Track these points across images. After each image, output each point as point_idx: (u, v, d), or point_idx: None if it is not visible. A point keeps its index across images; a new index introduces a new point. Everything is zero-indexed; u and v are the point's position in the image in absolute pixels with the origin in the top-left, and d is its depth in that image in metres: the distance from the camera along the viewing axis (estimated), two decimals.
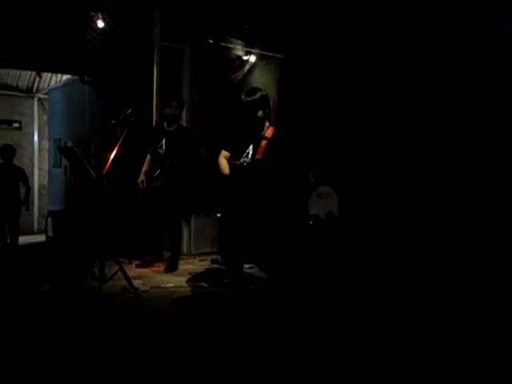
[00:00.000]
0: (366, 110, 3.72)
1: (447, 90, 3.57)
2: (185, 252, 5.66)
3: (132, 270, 4.61)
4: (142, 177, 4.90)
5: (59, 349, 2.71)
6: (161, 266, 4.91)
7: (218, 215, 4.24)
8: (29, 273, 4.69)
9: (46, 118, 9.32)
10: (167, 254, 5.03)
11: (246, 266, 4.40)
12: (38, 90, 9.28)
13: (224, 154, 3.91)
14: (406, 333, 2.88)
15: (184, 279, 4.44)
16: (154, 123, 5.48)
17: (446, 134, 3.57)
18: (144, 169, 4.95)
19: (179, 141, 4.84)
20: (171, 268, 4.81)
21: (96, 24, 5.48)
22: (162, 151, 4.90)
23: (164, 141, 4.91)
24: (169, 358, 2.60)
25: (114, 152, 3.90)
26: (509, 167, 3.42)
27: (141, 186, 4.88)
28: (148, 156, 4.99)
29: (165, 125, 4.97)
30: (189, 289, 4.14)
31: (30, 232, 8.93)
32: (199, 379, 2.36)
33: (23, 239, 7.99)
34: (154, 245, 5.06)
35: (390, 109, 3.62)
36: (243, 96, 3.74)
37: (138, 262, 4.98)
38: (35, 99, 9.35)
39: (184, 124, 5.59)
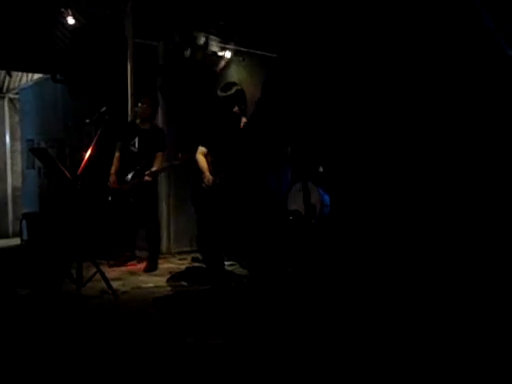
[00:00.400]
0: (358, 108, 3.68)
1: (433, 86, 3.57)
2: (164, 251, 5.61)
3: (110, 271, 4.55)
4: (112, 177, 4.80)
5: (39, 354, 2.65)
6: (135, 265, 4.87)
7: (196, 212, 4.19)
8: (4, 277, 4.57)
9: (17, 118, 9.11)
10: (141, 253, 4.99)
11: (227, 263, 4.38)
12: (8, 90, 9.04)
13: (201, 150, 3.87)
14: (386, 331, 2.90)
15: (164, 279, 4.39)
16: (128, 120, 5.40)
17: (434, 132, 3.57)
18: (114, 168, 4.85)
19: (153, 141, 4.78)
20: (151, 267, 4.76)
21: (66, 21, 5.34)
22: (134, 149, 4.83)
23: (137, 139, 4.84)
24: (151, 358, 2.56)
25: (89, 152, 3.82)
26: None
27: (112, 185, 4.79)
28: (117, 153, 4.89)
29: (138, 122, 4.90)
30: (169, 288, 4.10)
31: (5, 236, 8.73)
32: (183, 378, 2.34)
33: None
34: (128, 244, 5.01)
35: (382, 106, 3.58)
36: (218, 91, 3.71)
37: (112, 262, 4.93)
38: (6, 99, 9.11)
39: (160, 121, 5.53)
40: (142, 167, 4.71)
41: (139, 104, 4.84)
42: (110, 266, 4.85)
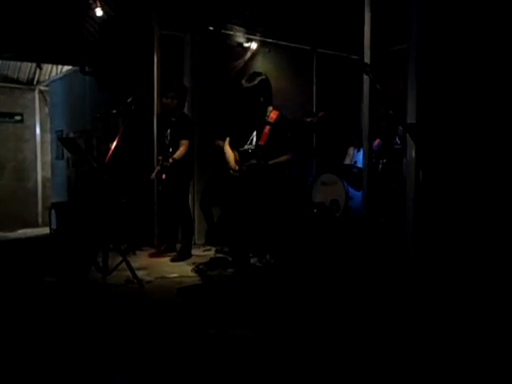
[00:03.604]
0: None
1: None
2: None
3: (136, 261, 4.60)
4: (158, 167, 4.85)
5: (63, 341, 2.69)
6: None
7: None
8: (33, 265, 4.68)
9: (47, 110, 9.28)
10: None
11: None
12: (38, 82, 9.23)
13: (228, 140, 3.86)
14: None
15: (189, 269, 4.42)
16: (155, 112, 5.42)
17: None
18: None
19: (180, 129, 4.79)
20: (178, 257, 4.78)
21: (95, 13, 5.39)
22: (167, 141, 4.87)
23: (169, 132, 4.88)
24: (173, 349, 2.57)
25: (116, 141, 3.86)
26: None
27: (153, 175, 4.85)
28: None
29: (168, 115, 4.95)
30: (194, 279, 4.11)
31: (35, 225, 8.94)
32: (204, 370, 2.34)
33: (27, 232, 8.02)
34: (169, 235, 5.06)
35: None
36: (243, 81, 3.69)
37: (153, 251, 5.06)
38: (36, 91, 9.29)
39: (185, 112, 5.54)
40: (164, 157, 4.69)
41: (164, 99, 4.86)
42: (150, 255, 4.97)
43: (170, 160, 4.51)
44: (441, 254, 3.52)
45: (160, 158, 4.69)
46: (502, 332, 2.60)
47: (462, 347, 2.45)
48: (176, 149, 4.72)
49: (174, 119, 4.88)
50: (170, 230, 5.11)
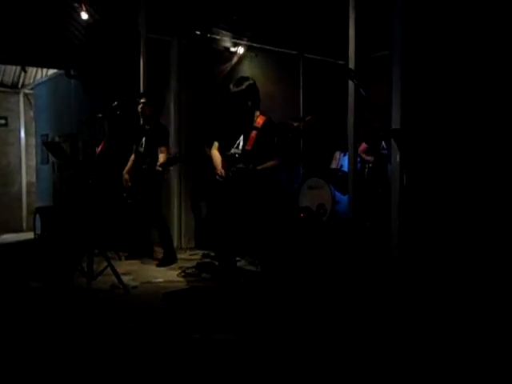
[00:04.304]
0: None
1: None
2: (175, 246, 5.61)
3: (121, 266, 4.56)
4: (125, 176, 4.85)
5: (48, 346, 2.66)
6: (150, 260, 4.92)
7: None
8: (17, 270, 4.62)
9: (32, 113, 9.18)
10: (158, 250, 5.02)
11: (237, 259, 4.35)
12: (23, 86, 9.13)
13: (216, 145, 3.87)
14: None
15: (174, 274, 4.39)
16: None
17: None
18: (127, 167, 4.91)
19: (156, 138, 4.77)
20: (162, 263, 4.77)
21: (80, 16, 5.37)
22: (141, 149, 4.85)
23: (144, 139, 4.86)
24: (159, 354, 2.55)
25: (101, 146, 3.84)
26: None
27: (125, 184, 4.85)
28: (132, 156, 4.96)
29: (142, 122, 4.93)
30: (179, 284, 4.09)
31: (19, 230, 8.83)
32: (184, 374, 2.32)
33: (12, 237, 7.91)
34: (142, 239, 5.04)
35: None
36: (231, 86, 3.69)
37: (126, 255, 5.05)
38: (21, 95, 9.19)
39: (172, 116, 5.53)
40: (148, 165, 4.71)
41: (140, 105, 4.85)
42: (126, 258, 4.97)
43: (158, 167, 4.56)
44: (425, 256, 3.56)
45: (144, 166, 4.71)
46: (487, 332, 2.63)
47: (447, 346, 2.47)
48: (153, 157, 4.70)
49: (148, 127, 4.86)
50: (145, 234, 5.10)
